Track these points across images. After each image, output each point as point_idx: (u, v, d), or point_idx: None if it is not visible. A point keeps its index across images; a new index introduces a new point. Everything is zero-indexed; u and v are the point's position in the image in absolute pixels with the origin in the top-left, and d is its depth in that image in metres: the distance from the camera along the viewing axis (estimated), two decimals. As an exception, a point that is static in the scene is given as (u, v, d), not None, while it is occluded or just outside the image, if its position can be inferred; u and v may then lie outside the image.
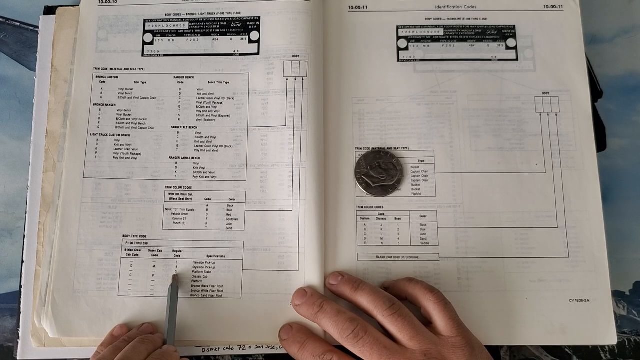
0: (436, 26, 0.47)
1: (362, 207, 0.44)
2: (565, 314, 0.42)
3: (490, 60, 0.46)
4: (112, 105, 0.45)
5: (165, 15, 0.47)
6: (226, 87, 0.45)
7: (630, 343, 0.44)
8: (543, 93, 0.45)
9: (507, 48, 0.46)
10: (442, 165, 0.44)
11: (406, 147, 0.45)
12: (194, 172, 0.44)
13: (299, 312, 0.40)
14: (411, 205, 0.44)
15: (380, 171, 0.44)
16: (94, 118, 0.45)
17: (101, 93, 0.45)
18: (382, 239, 0.43)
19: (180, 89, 0.45)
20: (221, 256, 0.42)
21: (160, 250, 0.42)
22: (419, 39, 0.47)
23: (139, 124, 0.45)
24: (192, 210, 0.43)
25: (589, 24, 0.48)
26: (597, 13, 0.50)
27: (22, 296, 0.42)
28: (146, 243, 0.43)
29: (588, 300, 0.42)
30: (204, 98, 0.45)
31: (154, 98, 0.45)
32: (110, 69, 0.46)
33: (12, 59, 0.48)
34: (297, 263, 0.42)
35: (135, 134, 0.45)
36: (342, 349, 0.38)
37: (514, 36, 0.47)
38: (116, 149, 0.44)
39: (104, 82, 0.45)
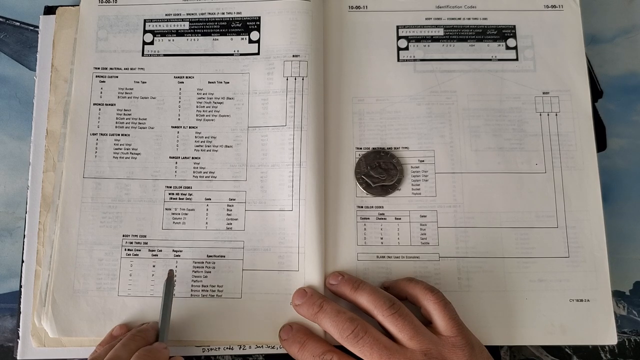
0: (436, 26, 0.47)
1: (362, 207, 0.44)
2: (565, 314, 0.42)
3: (490, 60, 0.46)
4: (112, 105, 0.45)
5: (166, 15, 0.47)
6: (226, 87, 0.45)
7: (631, 343, 0.44)
8: (543, 93, 0.45)
9: (507, 48, 0.46)
10: (442, 165, 0.44)
11: (406, 147, 0.45)
12: (194, 172, 0.44)
13: (299, 312, 0.40)
14: (411, 205, 0.44)
15: (381, 171, 0.44)
16: (94, 118, 0.45)
17: (101, 93, 0.45)
18: (382, 238, 0.43)
19: (180, 88, 0.45)
20: (221, 256, 0.42)
21: (160, 250, 0.42)
22: (419, 39, 0.47)
23: (139, 123, 0.45)
24: (192, 210, 0.43)
25: (589, 24, 0.48)
26: (597, 13, 0.50)
27: (22, 296, 0.42)
28: (146, 243, 0.43)
29: (588, 300, 0.42)
30: (204, 98, 0.45)
31: (154, 98, 0.45)
32: (110, 68, 0.46)
33: (12, 59, 0.48)
34: (297, 263, 0.42)
35: (135, 134, 0.45)
36: (342, 349, 0.38)
37: (514, 36, 0.47)
38: (116, 149, 0.44)
39: (104, 81, 0.45)
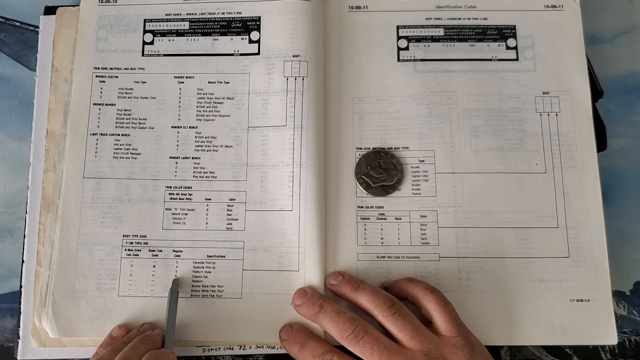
0: (436, 26, 0.47)
1: (362, 207, 0.44)
2: (565, 314, 0.42)
3: (490, 60, 0.46)
4: (112, 105, 0.45)
5: (166, 15, 0.47)
6: (226, 87, 0.45)
7: (631, 343, 0.44)
8: (543, 93, 0.45)
9: (508, 48, 0.46)
10: (442, 165, 0.44)
11: (406, 147, 0.45)
12: (194, 172, 0.44)
13: (299, 312, 0.40)
14: (411, 205, 0.44)
15: (381, 171, 0.44)
16: (94, 118, 0.45)
17: (101, 93, 0.45)
18: (382, 239, 0.43)
19: (180, 88, 0.45)
20: (221, 256, 0.42)
21: (161, 250, 0.42)
22: (419, 39, 0.47)
23: (139, 123, 0.45)
24: (192, 210, 0.43)
25: (589, 24, 0.48)
26: (597, 13, 0.50)
27: (22, 296, 0.42)
28: (146, 243, 0.43)
29: (588, 300, 0.42)
30: (204, 98, 0.45)
31: (154, 98, 0.45)
32: (110, 68, 0.46)
33: (13, 59, 0.48)
34: (298, 263, 0.42)
35: (135, 134, 0.45)
36: (342, 349, 0.38)
37: (514, 36, 0.47)
38: (116, 149, 0.44)
39: (103, 81, 0.45)
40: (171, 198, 0.43)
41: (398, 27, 0.47)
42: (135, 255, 0.42)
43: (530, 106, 0.45)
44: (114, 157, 0.44)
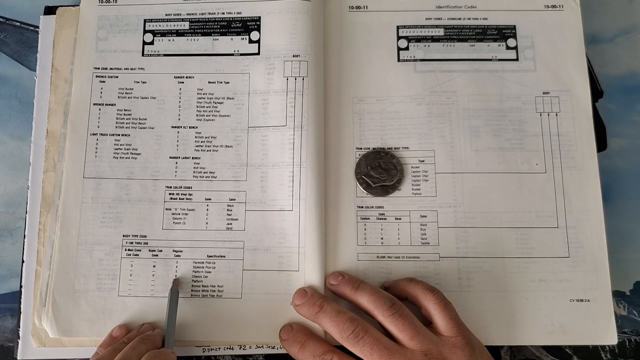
0: (436, 26, 0.47)
1: (362, 207, 0.44)
2: (565, 314, 0.42)
3: (490, 60, 0.46)
4: (112, 105, 0.45)
5: (166, 15, 0.47)
6: (226, 87, 0.45)
7: (631, 343, 0.44)
8: (543, 93, 0.45)
9: (508, 48, 0.46)
10: (442, 165, 0.44)
11: (406, 147, 0.45)
12: (194, 172, 0.44)
13: (299, 312, 0.40)
14: (411, 205, 0.44)
15: (381, 171, 0.44)
16: (94, 118, 0.45)
17: (101, 93, 0.45)
18: (382, 239, 0.43)
19: (180, 88, 0.45)
20: (221, 256, 0.42)
21: (161, 250, 0.42)
22: (419, 39, 0.47)
23: (139, 123, 0.45)
24: (192, 210, 0.43)
25: (589, 24, 0.48)
26: (597, 13, 0.50)
27: (22, 296, 0.42)
28: (146, 243, 0.43)
29: (588, 300, 0.42)
30: (204, 98, 0.45)
31: (154, 98, 0.45)
32: (110, 68, 0.46)
33: (13, 59, 0.48)
34: (298, 263, 0.42)
35: (135, 134, 0.45)
36: (342, 349, 0.38)
37: (514, 36, 0.47)
38: (116, 149, 0.44)
39: (104, 81, 0.45)
40: (171, 198, 0.43)
41: (398, 27, 0.47)
42: (135, 255, 0.42)
43: (530, 106, 0.45)
44: (114, 157, 0.44)
